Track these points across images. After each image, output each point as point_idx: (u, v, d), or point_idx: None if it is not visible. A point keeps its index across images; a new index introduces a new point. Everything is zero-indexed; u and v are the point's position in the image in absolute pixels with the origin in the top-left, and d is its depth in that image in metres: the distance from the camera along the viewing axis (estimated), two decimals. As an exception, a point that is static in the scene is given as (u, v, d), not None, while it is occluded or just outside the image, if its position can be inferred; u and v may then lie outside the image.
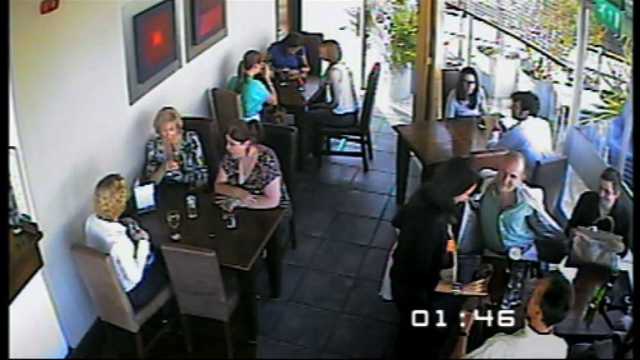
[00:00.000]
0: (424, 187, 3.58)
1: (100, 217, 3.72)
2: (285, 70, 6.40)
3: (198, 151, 4.71)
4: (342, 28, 9.35)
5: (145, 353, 4.00)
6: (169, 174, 4.66)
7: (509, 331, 2.96)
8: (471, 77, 5.73)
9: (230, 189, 4.48)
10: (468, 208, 4.03)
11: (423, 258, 3.31)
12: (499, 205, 4.01)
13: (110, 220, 3.72)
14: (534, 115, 4.91)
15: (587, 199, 4.24)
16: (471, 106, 5.83)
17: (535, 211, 3.97)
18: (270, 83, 5.86)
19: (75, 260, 3.81)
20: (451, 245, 3.49)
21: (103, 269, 3.64)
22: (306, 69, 6.56)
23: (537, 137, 4.93)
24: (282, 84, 6.28)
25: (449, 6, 8.00)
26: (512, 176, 3.88)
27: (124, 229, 3.77)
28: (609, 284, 3.68)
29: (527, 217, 3.99)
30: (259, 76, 5.76)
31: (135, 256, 3.78)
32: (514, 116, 5.01)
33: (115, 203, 3.68)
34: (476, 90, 5.79)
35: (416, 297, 3.41)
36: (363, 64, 8.10)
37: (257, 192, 4.45)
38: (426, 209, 3.30)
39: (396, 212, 3.97)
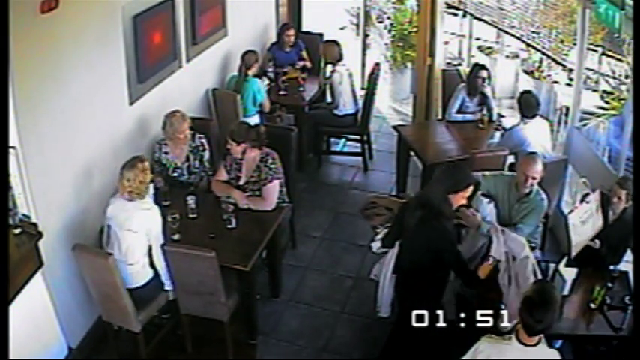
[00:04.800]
0: (419, 195, 3.57)
1: (125, 199, 3.76)
2: (286, 70, 6.38)
3: (206, 155, 4.70)
4: (342, 28, 9.34)
5: (145, 353, 4.00)
6: (175, 174, 4.67)
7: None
8: (485, 73, 5.59)
9: (226, 189, 4.47)
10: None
11: (460, 261, 3.33)
12: (516, 199, 4.12)
13: (132, 201, 3.75)
14: (527, 117, 4.90)
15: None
16: (479, 103, 5.69)
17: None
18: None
19: (77, 260, 3.81)
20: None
21: (106, 269, 3.64)
22: (307, 63, 6.55)
23: (537, 137, 4.92)
24: (283, 84, 6.26)
25: (449, 6, 7.97)
26: (533, 178, 4.02)
27: (150, 201, 3.85)
28: (609, 284, 3.69)
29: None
30: (259, 76, 5.77)
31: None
32: None
33: (138, 185, 3.73)
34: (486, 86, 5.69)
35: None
36: (363, 64, 8.09)
37: (257, 193, 4.44)
38: (431, 218, 3.27)
39: (387, 233, 3.91)
